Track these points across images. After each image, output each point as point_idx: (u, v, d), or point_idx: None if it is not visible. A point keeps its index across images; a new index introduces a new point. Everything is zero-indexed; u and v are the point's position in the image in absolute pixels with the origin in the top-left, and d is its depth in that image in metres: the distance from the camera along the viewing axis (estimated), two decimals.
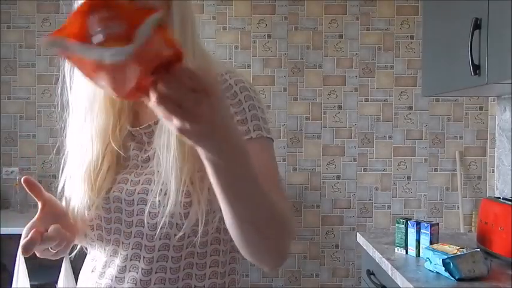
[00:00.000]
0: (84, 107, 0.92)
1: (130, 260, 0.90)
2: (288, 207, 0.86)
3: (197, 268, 0.91)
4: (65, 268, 0.89)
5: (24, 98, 3.53)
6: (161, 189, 0.86)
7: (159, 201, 0.85)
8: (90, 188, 0.91)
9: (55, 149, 1.00)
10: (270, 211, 0.76)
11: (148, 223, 0.87)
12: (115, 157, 0.94)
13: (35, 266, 3.19)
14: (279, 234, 0.80)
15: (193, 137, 0.61)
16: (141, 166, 0.92)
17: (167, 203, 0.84)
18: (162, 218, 0.85)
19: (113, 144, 0.92)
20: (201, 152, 0.65)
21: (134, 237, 0.89)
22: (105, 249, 0.93)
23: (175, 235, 0.86)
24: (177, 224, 0.85)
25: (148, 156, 0.92)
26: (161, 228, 0.85)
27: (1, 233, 2.80)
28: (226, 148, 0.64)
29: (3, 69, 3.52)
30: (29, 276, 0.94)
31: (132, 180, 0.91)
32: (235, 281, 0.96)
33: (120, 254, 0.91)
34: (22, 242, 0.81)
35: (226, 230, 0.81)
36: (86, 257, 0.99)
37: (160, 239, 0.87)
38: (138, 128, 0.95)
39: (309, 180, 3.53)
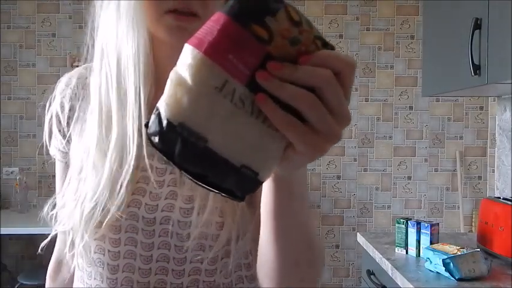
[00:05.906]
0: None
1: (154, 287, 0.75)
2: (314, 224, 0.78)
3: None
4: None
5: (24, 98, 3.53)
6: (191, 207, 0.72)
7: (190, 221, 0.71)
8: (108, 192, 0.72)
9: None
10: (311, 249, 0.65)
11: (175, 245, 0.73)
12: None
13: (35, 266, 3.19)
14: (316, 275, 0.68)
15: (317, 155, 0.44)
16: (159, 172, 0.74)
17: (199, 223, 0.71)
18: (193, 239, 0.72)
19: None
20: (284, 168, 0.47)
21: (157, 261, 0.74)
22: (106, 278, 0.75)
23: (207, 257, 0.73)
24: (209, 246, 0.73)
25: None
26: (191, 250, 0.73)
27: (1, 233, 2.80)
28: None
29: (3, 69, 3.52)
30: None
31: (152, 193, 0.73)
32: None
33: (137, 282, 0.74)
34: None
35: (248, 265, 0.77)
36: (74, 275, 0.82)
37: (191, 262, 0.74)
38: None
39: (309, 180, 3.53)
